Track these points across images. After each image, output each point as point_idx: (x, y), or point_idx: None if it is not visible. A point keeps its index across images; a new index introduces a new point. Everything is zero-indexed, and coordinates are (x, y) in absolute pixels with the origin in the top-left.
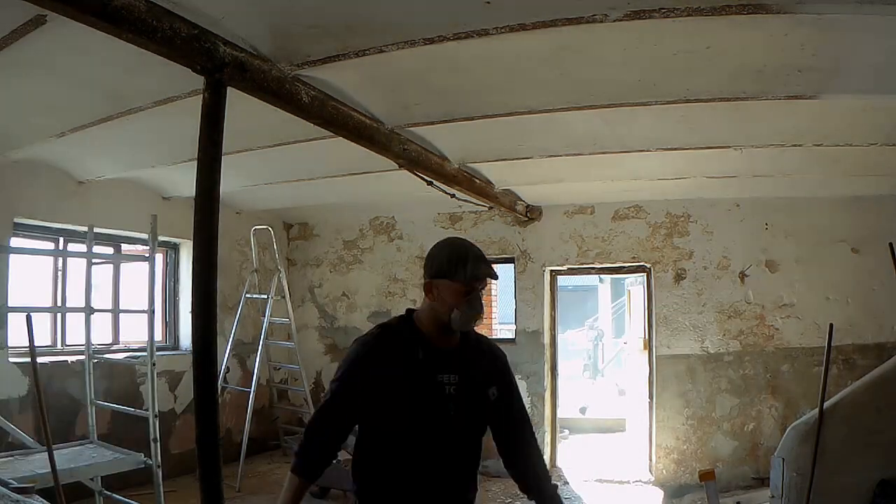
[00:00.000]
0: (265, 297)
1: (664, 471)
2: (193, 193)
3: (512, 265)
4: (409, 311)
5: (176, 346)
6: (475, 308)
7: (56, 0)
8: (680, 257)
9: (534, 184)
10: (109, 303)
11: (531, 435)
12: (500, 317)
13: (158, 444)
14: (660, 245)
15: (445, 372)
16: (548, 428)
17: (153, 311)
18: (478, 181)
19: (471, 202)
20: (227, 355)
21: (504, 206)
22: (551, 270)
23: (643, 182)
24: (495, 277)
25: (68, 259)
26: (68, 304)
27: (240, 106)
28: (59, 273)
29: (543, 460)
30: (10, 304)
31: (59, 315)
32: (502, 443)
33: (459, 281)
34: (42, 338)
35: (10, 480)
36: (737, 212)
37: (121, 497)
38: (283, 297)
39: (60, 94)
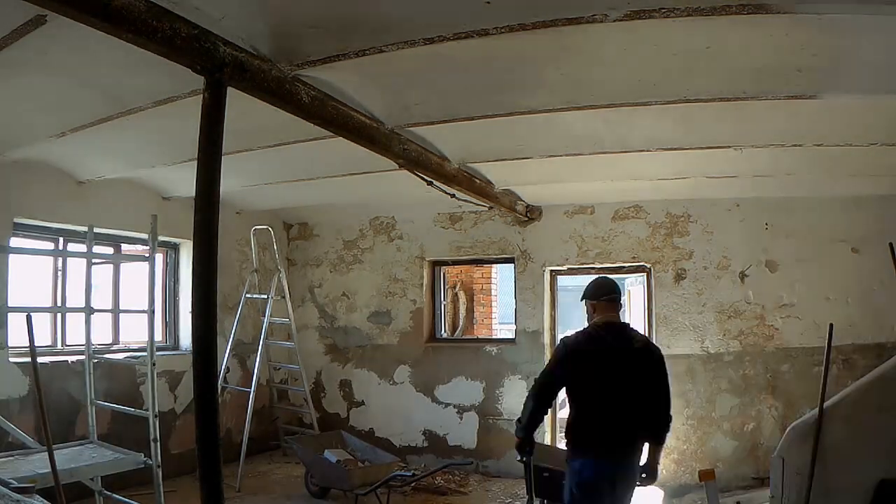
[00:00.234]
0: (265, 297)
1: (664, 471)
2: (193, 193)
3: (512, 265)
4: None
5: (176, 346)
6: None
7: (56, 0)
8: (680, 257)
9: (534, 184)
10: (109, 303)
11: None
12: (500, 317)
13: (158, 444)
14: (660, 245)
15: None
16: (548, 428)
17: (153, 311)
18: (478, 181)
19: (471, 202)
20: (227, 355)
21: (504, 206)
22: (551, 270)
23: (643, 182)
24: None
25: (68, 259)
26: (68, 304)
27: (240, 106)
28: (59, 273)
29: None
30: (10, 304)
31: (59, 315)
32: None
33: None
34: (42, 338)
35: (11, 480)
36: (737, 212)
37: (121, 497)
38: (283, 297)
39: (60, 94)
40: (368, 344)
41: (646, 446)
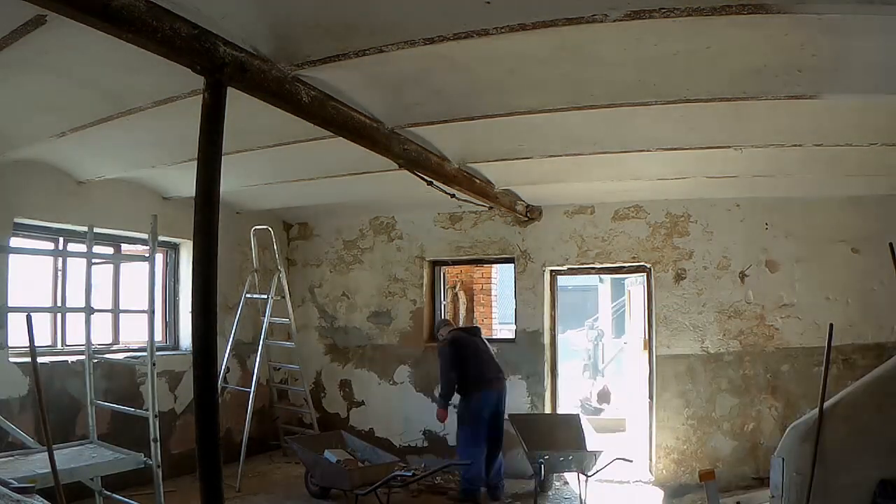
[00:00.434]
0: (265, 297)
1: (664, 471)
2: (193, 193)
3: (512, 265)
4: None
5: (176, 346)
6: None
7: (56, 0)
8: (680, 257)
9: (534, 184)
10: (109, 303)
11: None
12: (500, 317)
13: (158, 444)
14: (660, 245)
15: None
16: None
17: (153, 311)
18: (478, 181)
19: (471, 202)
20: (227, 355)
21: (504, 206)
22: (551, 270)
23: (643, 182)
24: None
25: (68, 259)
26: (68, 304)
27: (240, 106)
28: (59, 273)
29: None
30: (10, 304)
31: (59, 315)
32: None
33: None
34: (42, 338)
35: (11, 480)
36: (737, 212)
37: (121, 497)
38: (283, 297)
39: (60, 94)
40: (368, 344)
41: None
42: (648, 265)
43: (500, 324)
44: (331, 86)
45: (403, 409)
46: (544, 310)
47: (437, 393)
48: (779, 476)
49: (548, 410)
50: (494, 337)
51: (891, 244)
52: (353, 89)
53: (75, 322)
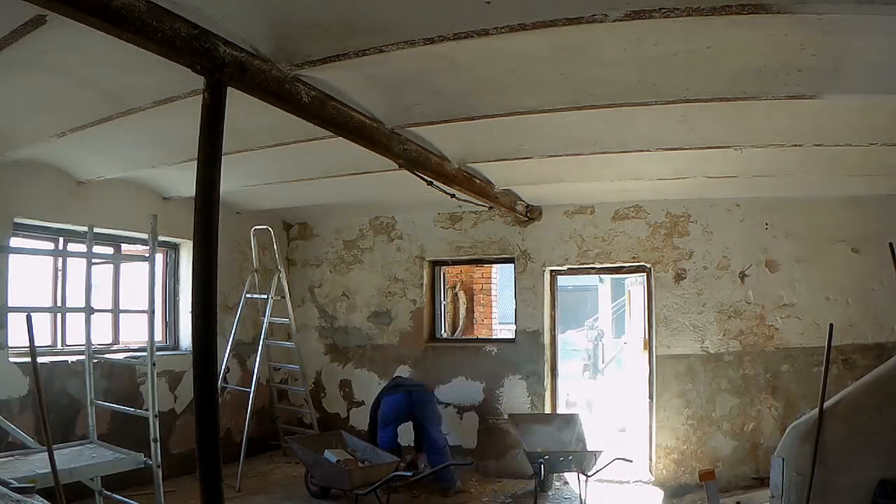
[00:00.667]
0: (265, 297)
1: (664, 471)
2: (193, 193)
3: (512, 265)
4: None
5: (176, 346)
6: None
7: (56, 0)
8: (680, 257)
9: (534, 184)
10: (109, 303)
11: None
12: (500, 317)
13: (158, 444)
14: (660, 245)
15: None
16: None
17: (153, 311)
18: (478, 181)
19: (471, 202)
20: (227, 355)
21: (504, 206)
22: (551, 270)
23: (643, 182)
24: None
25: (68, 259)
26: (68, 304)
27: (240, 106)
28: (59, 273)
29: None
30: (10, 304)
31: (59, 315)
32: None
33: None
34: (42, 338)
35: (11, 480)
36: (737, 212)
37: (121, 497)
38: (283, 297)
39: (60, 94)
40: (368, 344)
41: None
42: (648, 265)
43: (500, 324)
44: (331, 86)
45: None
46: (544, 310)
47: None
48: (779, 476)
49: (548, 410)
50: (494, 337)
51: (891, 244)
52: (353, 89)
53: (75, 322)
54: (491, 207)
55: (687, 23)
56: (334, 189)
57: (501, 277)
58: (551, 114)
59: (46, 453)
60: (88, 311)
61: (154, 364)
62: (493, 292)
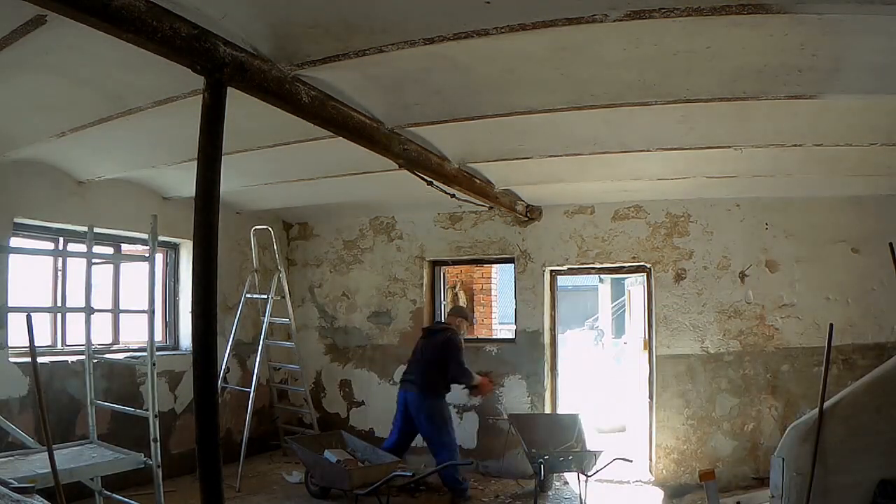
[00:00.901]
0: (265, 297)
1: (664, 471)
2: (193, 193)
3: (512, 265)
4: None
5: (176, 346)
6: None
7: (56, 0)
8: (680, 257)
9: (534, 184)
10: (109, 303)
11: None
12: (500, 317)
13: (158, 444)
14: (660, 245)
15: None
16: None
17: (153, 311)
18: (478, 181)
19: (471, 202)
20: (227, 355)
21: (504, 206)
22: (551, 270)
23: (643, 182)
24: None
25: (68, 259)
26: (68, 304)
27: (240, 106)
28: (59, 273)
29: None
30: (10, 304)
31: (59, 315)
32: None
33: None
34: (42, 338)
35: (11, 480)
36: (737, 212)
37: (121, 497)
38: (283, 297)
39: (60, 94)
40: (368, 344)
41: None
42: (648, 265)
43: (500, 324)
44: (331, 86)
45: None
46: (544, 310)
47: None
48: (779, 476)
49: (548, 410)
50: (494, 337)
51: (891, 244)
52: (353, 89)
53: (75, 322)
54: (491, 207)
55: (687, 23)
56: (334, 189)
57: (501, 277)
58: (551, 114)
59: (46, 453)
60: (88, 311)
61: (154, 364)
62: (493, 292)
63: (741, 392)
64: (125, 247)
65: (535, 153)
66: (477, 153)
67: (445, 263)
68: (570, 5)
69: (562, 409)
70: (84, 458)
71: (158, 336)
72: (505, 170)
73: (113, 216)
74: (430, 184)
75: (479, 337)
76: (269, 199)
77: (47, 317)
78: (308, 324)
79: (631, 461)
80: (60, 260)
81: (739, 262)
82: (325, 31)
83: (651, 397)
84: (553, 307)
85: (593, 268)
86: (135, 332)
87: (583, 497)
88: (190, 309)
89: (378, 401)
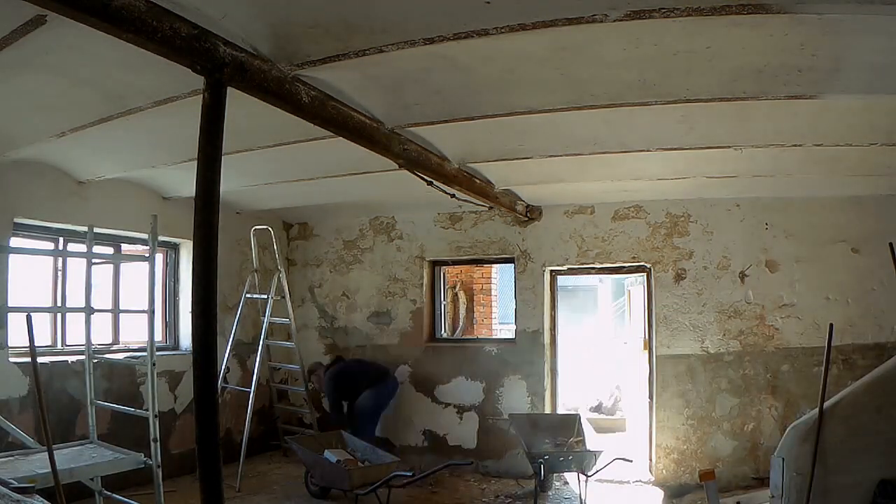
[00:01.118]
0: (265, 297)
1: (664, 471)
2: (193, 193)
3: (512, 265)
4: None
5: (176, 346)
6: None
7: (56, 0)
8: (680, 257)
9: (534, 184)
10: (109, 303)
11: None
12: (500, 317)
13: (158, 444)
14: (660, 245)
15: None
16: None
17: (153, 311)
18: (478, 181)
19: (471, 202)
20: (227, 355)
21: (504, 206)
22: (551, 270)
23: (643, 182)
24: None
25: (68, 259)
26: (68, 304)
27: (240, 106)
28: (59, 273)
29: None
30: (10, 304)
31: (59, 315)
32: None
33: None
34: (42, 338)
35: (11, 480)
36: (737, 212)
37: (121, 497)
38: (283, 297)
39: (60, 94)
40: (368, 344)
41: None
42: (648, 265)
43: (500, 324)
44: (331, 86)
45: (403, 409)
46: (544, 310)
47: None
48: (779, 476)
49: (548, 410)
50: (494, 337)
51: (891, 244)
52: (353, 89)
53: (75, 322)
54: (491, 207)
55: (687, 23)
56: (334, 189)
57: (501, 277)
58: (551, 114)
59: (46, 453)
60: (88, 311)
61: (154, 364)
62: (493, 292)
63: (741, 392)
64: (125, 247)
65: (535, 153)
66: (477, 153)
67: (445, 263)
68: (570, 5)
69: (562, 409)
70: (84, 458)
71: (158, 336)
72: (505, 170)
73: (113, 216)
74: (430, 184)
75: (479, 337)
76: (269, 199)
77: (47, 317)
78: (308, 324)
79: (631, 461)
80: (60, 260)
81: (739, 262)
82: (325, 31)
83: (651, 397)
84: (553, 307)
85: (593, 268)
86: (135, 332)
87: (583, 497)
88: (190, 309)
89: None
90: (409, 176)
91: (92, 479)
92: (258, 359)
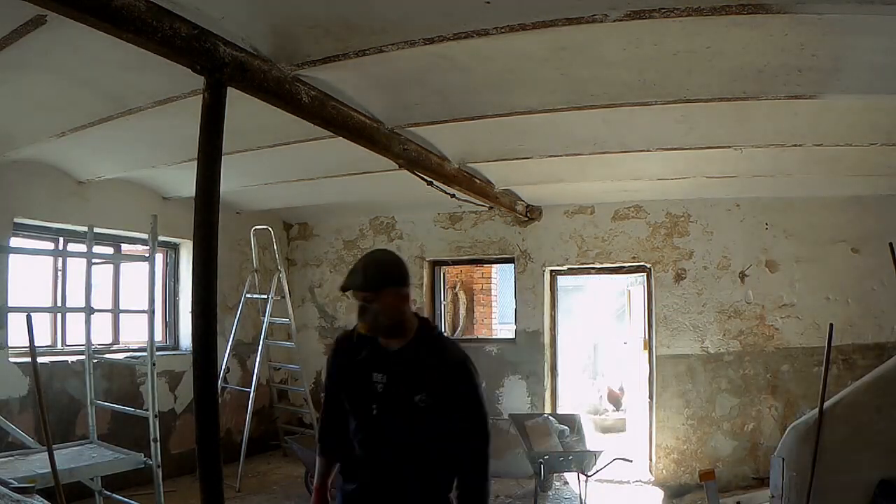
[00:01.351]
0: (265, 297)
1: (664, 471)
2: (193, 193)
3: (512, 265)
4: None
5: (176, 346)
6: (363, 317)
7: (56, 0)
8: (680, 257)
9: (534, 184)
10: (109, 303)
11: (470, 459)
12: (500, 317)
13: (158, 444)
14: (660, 245)
15: (379, 371)
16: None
17: (153, 311)
18: (478, 181)
19: (471, 202)
20: (227, 355)
21: (504, 206)
22: (551, 270)
23: (643, 182)
24: (362, 289)
25: (68, 259)
26: (68, 304)
27: (240, 106)
28: (59, 273)
29: (477, 493)
30: (10, 304)
31: (59, 315)
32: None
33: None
34: (42, 338)
35: (11, 480)
36: (737, 212)
37: (121, 497)
38: (283, 297)
39: (60, 94)
40: None
41: None
42: (648, 265)
43: (500, 324)
44: (331, 86)
45: None
46: (544, 310)
47: None
48: (779, 476)
49: (548, 410)
50: (494, 337)
51: (891, 244)
52: (353, 89)
53: (75, 322)
54: (491, 207)
55: (687, 23)
56: (334, 189)
57: (501, 277)
58: (551, 114)
59: (46, 453)
60: (88, 311)
61: (154, 364)
62: (493, 292)
63: (741, 392)
64: (125, 247)
65: (535, 153)
66: (477, 153)
67: (445, 263)
68: (570, 5)
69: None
70: (84, 458)
71: (158, 336)
72: (505, 170)
73: (113, 216)
74: (430, 184)
75: (479, 337)
76: (269, 199)
77: (47, 317)
78: (308, 324)
79: (631, 461)
80: (60, 260)
81: (739, 262)
82: (325, 31)
83: (651, 397)
84: (553, 307)
85: (593, 268)
86: (135, 332)
87: (583, 497)
88: (190, 309)
89: None
90: (409, 176)
91: (92, 479)
92: (258, 359)
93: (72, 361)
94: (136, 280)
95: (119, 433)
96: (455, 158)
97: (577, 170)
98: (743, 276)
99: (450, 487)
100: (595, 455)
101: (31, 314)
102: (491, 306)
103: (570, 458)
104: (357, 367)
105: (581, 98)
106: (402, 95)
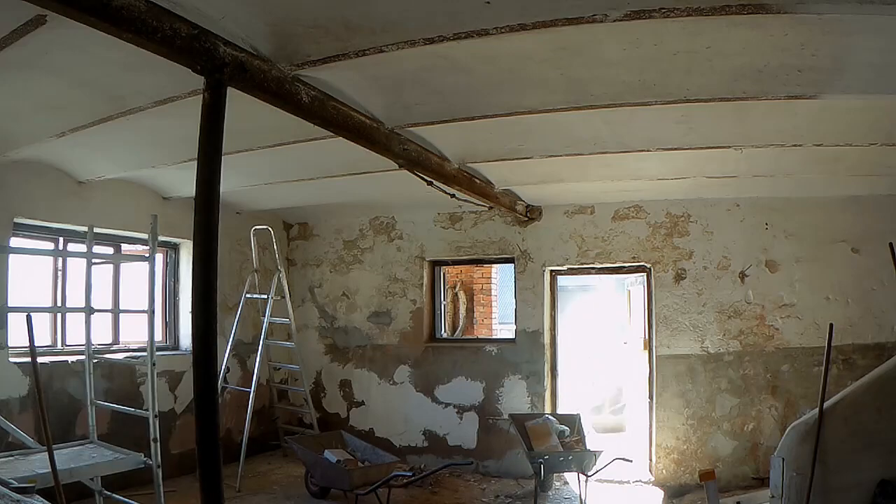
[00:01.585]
0: (265, 297)
1: (664, 471)
2: (193, 193)
3: (512, 265)
4: None
5: (176, 346)
6: None
7: (56, 0)
8: (680, 257)
9: (534, 184)
10: (109, 303)
11: None
12: (500, 317)
13: (158, 444)
14: (660, 245)
15: None
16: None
17: (153, 311)
18: (478, 181)
19: (471, 202)
20: (227, 355)
21: (504, 206)
22: (551, 270)
23: (643, 182)
24: None
25: (68, 259)
26: (68, 304)
27: (240, 106)
28: (59, 273)
29: None
30: (10, 304)
31: (59, 315)
32: None
33: None
34: (42, 338)
35: (11, 480)
36: (737, 212)
37: (121, 497)
38: (283, 297)
39: (60, 94)
40: (368, 344)
41: None
42: (648, 265)
43: (500, 324)
44: (331, 86)
45: (403, 409)
46: (544, 310)
47: None
48: (779, 476)
49: (548, 410)
50: (494, 337)
51: (891, 244)
52: (353, 89)
53: (75, 322)
54: (491, 207)
55: (687, 23)
56: (334, 189)
57: (501, 277)
58: (551, 114)
59: (46, 453)
60: (88, 311)
61: (154, 364)
62: (493, 292)
63: (741, 392)
64: (125, 247)
65: (535, 153)
66: (477, 153)
67: (445, 263)
68: (570, 5)
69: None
70: (84, 458)
71: (158, 336)
72: (505, 170)
73: (113, 216)
74: (430, 184)
75: (479, 337)
76: (269, 199)
77: (47, 317)
78: (308, 324)
79: (631, 461)
80: (60, 260)
81: (739, 262)
82: (325, 31)
83: (651, 397)
84: (553, 307)
85: (593, 268)
86: (135, 332)
87: (583, 497)
88: (190, 309)
89: (378, 401)
90: (409, 176)
91: (92, 479)
92: (258, 359)
93: (72, 361)
94: (136, 280)
95: (119, 433)
96: (455, 158)
97: (577, 170)
98: (743, 276)
99: None
100: (595, 455)
101: (31, 314)
102: (491, 306)
103: (570, 458)
104: None
105: (581, 98)
106: (402, 95)
